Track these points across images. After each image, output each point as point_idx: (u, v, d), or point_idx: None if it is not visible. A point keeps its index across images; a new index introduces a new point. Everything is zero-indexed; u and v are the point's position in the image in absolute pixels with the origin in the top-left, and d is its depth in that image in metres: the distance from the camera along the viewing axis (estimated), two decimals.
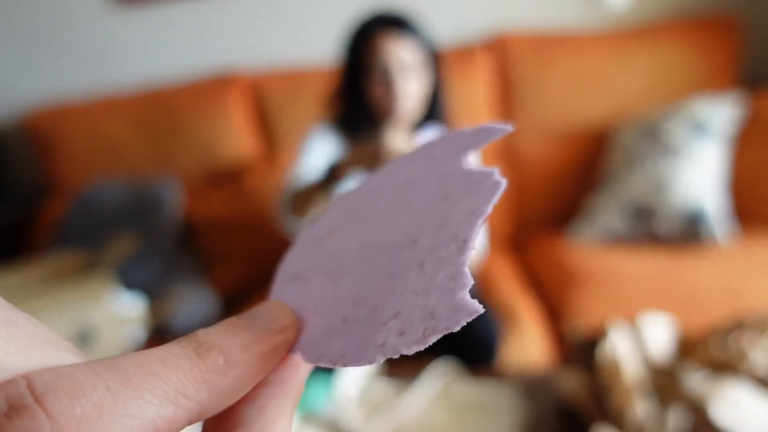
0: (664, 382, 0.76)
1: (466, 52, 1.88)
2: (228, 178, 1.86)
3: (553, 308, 1.40)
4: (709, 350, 0.77)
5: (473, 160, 0.97)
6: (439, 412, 0.86)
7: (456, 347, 1.08)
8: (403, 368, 0.99)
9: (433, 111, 1.21)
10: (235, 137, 1.89)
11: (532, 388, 0.87)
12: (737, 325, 0.82)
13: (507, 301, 1.37)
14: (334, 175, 1.02)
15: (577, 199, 1.77)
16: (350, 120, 1.20)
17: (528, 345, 1.31)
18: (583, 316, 1.35)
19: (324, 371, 0.96)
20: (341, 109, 1.23)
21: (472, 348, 1.08)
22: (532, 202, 1.86)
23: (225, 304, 1.69)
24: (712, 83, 1.84)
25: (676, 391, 0.64)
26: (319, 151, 1.22)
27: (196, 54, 2.06)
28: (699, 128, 1.58)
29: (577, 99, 1.87)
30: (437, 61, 1.17)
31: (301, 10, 2.03)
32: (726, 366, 0.72)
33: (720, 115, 1.60)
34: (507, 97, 1.91)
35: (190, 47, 2.06)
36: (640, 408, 0.66)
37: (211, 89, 1.90)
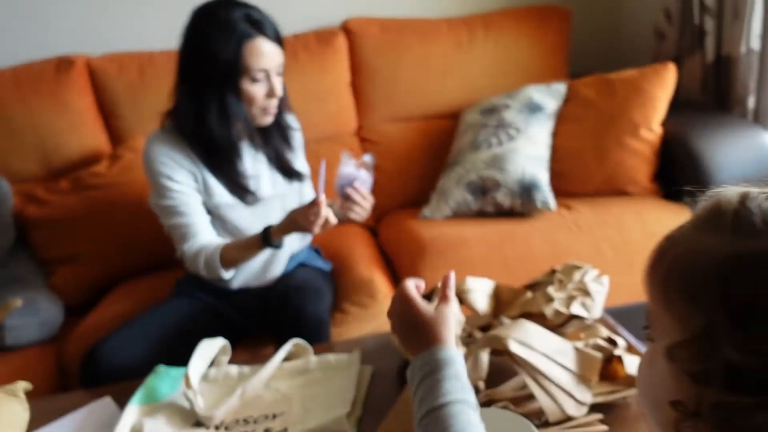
0: (484, 331, 0.84)
1: (324, 38, 1.89)
2: (69, 173, 1.71)
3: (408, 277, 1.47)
4: (523, 303, 0.86)
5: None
6: (285, 382, 0.88)
7: (289, 327, 1.13)
8: (245, 355, 1.00)
9: (281, 102, 1.27)
10: (75, 129, 1.75)
11: (375, 351, 0.92)
12: (550, 275, 0.93)
13: (365, 278, 1.42)
14: (270, 237, 1.15)
15: (432, 178, 1.86)
16: (202, 128, 1.18)
17: (385, 315, 1.37)
18: (434, 282, 1.43)
19: (169, 365, 0.94)
20: (191, 116, 1.19)
21: (303, 326, 1.13)
22: (389, 184, 1.93)
23: (72, 306, 1.57)
24: (545, 67, 2.03)
25: (490, 336, 0.71)
26: (182, 178, 1.21)
27: (28, 40, 1.87)
28: (534, 110, 1.74)
29: (427, 83, 1.96)
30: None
31: None
32: (532, 313, 0.82)
33: (552, 98, 1.77)
34: (361, 82, 1.96)
35: (21, 32, 1.86)
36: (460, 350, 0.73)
37: (46, 76, 1.73)
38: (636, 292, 1.63)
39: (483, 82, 1.99)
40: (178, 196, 1.21)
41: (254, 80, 1.16)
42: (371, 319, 1.36)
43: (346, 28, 1.93)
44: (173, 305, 1.30)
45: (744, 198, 0.40)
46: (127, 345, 1.16)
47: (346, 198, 1.17)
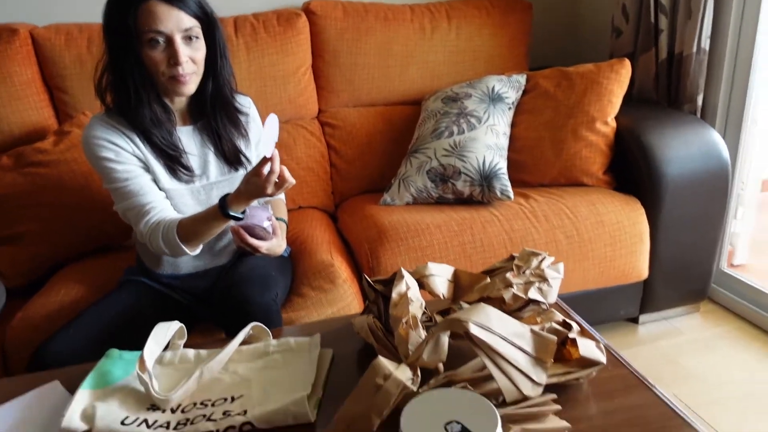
0: (443, 315, 0.85)
1: (285, 19, 1.86)
2: (11, 149, 1.63)
3: (368, 264, 1.48)
4: (482, 288, 0.88)
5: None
6: (243, 365, 0.87)
7: (234, 317, 1.11)
8: (200, 340, 0.98)
9: (216, 78, 1.20)
10: (17, 102, 1.66)
11: (335, 335, 0.92)
12: (508, 261, 0.95)
13: (325, 262, 1.41)
14: (226, 208, 1.11)
15: (392, 164, 1.87)
16: (129, 101, 1.13)
17: (345, 300, 1.38)
18: (394, 267, 1.45)
19: (122, 349, 0.91)
20: (116, 93, 1.15)
21: (250, 316, 1.09)
22: (349, 169, 1.93)
23: (15, 287, 1.50)
24: (506, 58, 2.06)
25: (450, 319, 0.72)
26: (125, 159, 1.15)
27: None
28: (495, 100, 1.76)
29: (389, 69, 1.96)
30: (214, 26, 1.16)
31: None
32: (490, 298, 0.84)
33: (512, 88, 1.80)
34: (323, 65, 1.94)
35: None
36: (420, 333, 0.74)
37: None
38: (586, 279, 1.70)
39: (445, 70, 2.01)
40: (125, 177, 1.16)
41: (152, 45, 1.08)
42: (331, 304, 1.36)
43: (309, 10, 1.90)
44: (121, 295, 1.24)
45: None
46: (75, 342, 1.10)
47: (238, 233, 1.13)
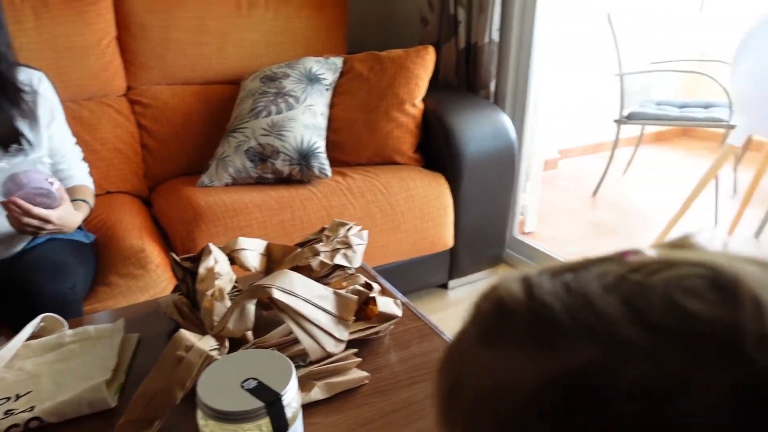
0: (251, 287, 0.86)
1: None
2: None
3: (183, 247, 1.43)
4: (292, 258, 0.91)
5: None
6: (32, 361, 0.79)
7: (26, 310, 0.99)
8: None
9: None
10: None
11: (142, 319, 0.88)
12: (320, 233, 0.99)
13: (135, 247, 1.33)
14: None
15: (210, 145, 1.81)
16: None
17: (158, 286, 1.31)
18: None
19: None
20: None
21: (42, 308, 1.00)
22: (163, 151, 1.83)
23: None
24: (324, 41, 2.10)
25: (254, 287, 0.74)
26: None
27: None
28: (313, 80, 1.79)
29: (203, 46, 1.88)
30: None
31: None
32: (300, 266, 0.87)
33: (329, 70, 1.85)
34: (129, 38, 1.79)
35: None
36: (226, 304, 0.74)
37: None
38: (400, 251, 1.82)
39: (263, 50, 1.99)
40: None
41: None
42: (143, 291, 1.29)
43: None
44: None
45: (529, 288, 0.27)
46: None
47: (16, 204, 1.02)
